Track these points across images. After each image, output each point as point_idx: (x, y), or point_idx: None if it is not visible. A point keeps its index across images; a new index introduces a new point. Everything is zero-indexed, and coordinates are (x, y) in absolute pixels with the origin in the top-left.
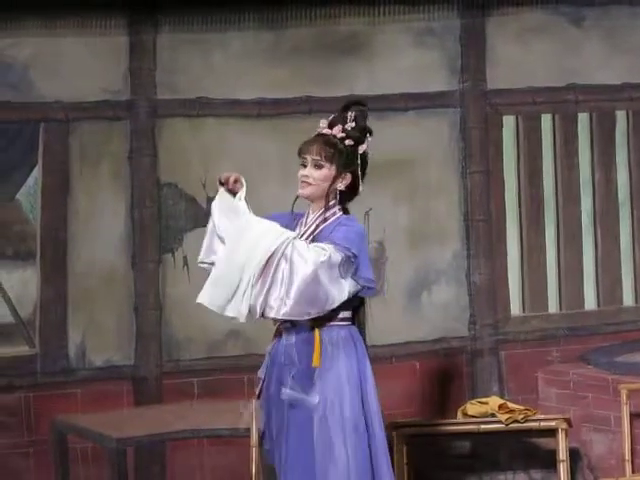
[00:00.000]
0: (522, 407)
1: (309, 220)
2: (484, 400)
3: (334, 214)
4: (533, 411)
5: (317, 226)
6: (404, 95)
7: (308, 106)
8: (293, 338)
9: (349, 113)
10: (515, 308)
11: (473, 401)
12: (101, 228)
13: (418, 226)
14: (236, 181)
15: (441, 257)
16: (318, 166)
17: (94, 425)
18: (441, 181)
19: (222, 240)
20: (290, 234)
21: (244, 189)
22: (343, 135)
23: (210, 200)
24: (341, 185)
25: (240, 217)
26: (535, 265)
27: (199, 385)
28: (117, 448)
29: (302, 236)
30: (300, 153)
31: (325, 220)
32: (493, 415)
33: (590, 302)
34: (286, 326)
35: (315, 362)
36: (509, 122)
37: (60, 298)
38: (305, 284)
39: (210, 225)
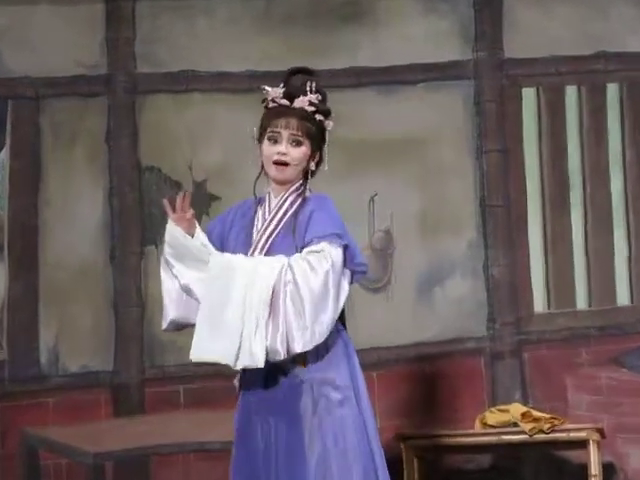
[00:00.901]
0: (548, 415)
1: (273, 205)
2: (505, 408)
3: (302, 195)
4: (561, 420)
5: (286, 211)
6: (412, 66)
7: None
8: None
9: (308, 83)
10: (539, 304)
11: (493, 409)
12: (76, 217)
13: (429, 212)
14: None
15: (455, 247)
16: (297, 143)
17: (69, 438)
18: (454, 162)
19: (187, 290)
20: (283, 260)
21: (198, 227)
22: (313, 109)
23: (198, 185)
24: (313, 165)
25: (213, 260)
26: (561, 255)
27: (186, 393)
28: (94, 464)
29: (269, 224)
30: (269, 126)
31: (294, 204)
32: (515, 425)
33: (623, 297)
34: None
35: (300, 365)
36: (529, 95)
37: (30, 296)
38: (319, 301)
39: (170, 282)
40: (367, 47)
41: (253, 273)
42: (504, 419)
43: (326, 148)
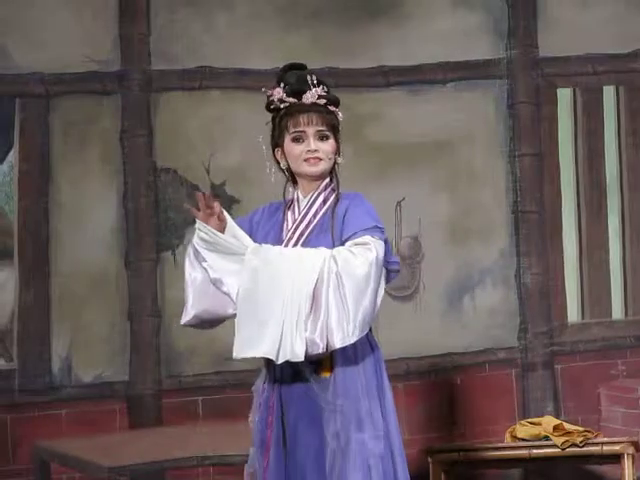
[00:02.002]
0: (581, 429)
1: (303, 205)
2: (536, 420)
3: (332, 192)
4: (594, 433)
5: (317, 210)
6: (442, 65)
7: (330, 79)
8: None
9: (308, 77)
10: (573, 314)
11: (523, 422)
12: (89, 222)
13: (459, 218)
14: (212, 207)
15: (486, 255)
16: (325, 137)
17: (82, 452)
18: (485, 166)
19: (217, 282)
20: (325, 252)
21: (229, 219)
22: (324, 101)
23: (216, 188)
24: (339, 158)
25: (252, 253)
26: (596, 263)
27: (205, 404)
28: (109, 478)
29: (299, 223)
30: (291, 127)
31: (327, 201)
32: (547, 438)
33: None
34: None
35: (325, 372)
36: (565, 96)
37: (42, 304)
38: (361, 293)
39: (198, 274)
40: (394, 44)
41: (296, 265)
42: (535, 432)
43: (340, 139)
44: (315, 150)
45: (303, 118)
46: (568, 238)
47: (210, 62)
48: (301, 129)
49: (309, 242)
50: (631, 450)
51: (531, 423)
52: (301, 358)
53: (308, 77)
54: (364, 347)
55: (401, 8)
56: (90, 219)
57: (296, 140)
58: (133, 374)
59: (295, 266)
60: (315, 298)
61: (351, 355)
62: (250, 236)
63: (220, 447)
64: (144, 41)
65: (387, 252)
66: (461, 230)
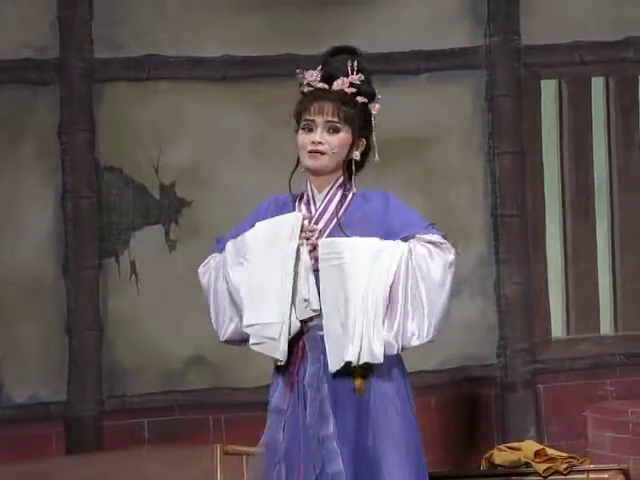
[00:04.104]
0: (565, 454)
1: (320, 201)
2: (516, 445)
3: (350, 190)
4: (580, 460)
5: (336, 209)
6: (414, 53)
7: (289, 67)
8: (322, 359)
9: (349, 63)
10: (557, 328)
11: (502, 446)
12: (23, 225)
13: (432, 222)
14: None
15: (462, 262)
16: (334, 130)
17: None
18: (461, 165)
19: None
20: (403, 247)
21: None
22: (354, 90)
23: (165, 189)
24: (357, 154)
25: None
26: (583, 273)
27: (151, 427)
28: None
29: (316, 222)
30: (303, 114)
31: (344, 200)
32: (528, 465)
33: None
34: (311, 345)
35: (359, 391)
36: (549, 88)
37: None
38: (437, 294)
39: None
40: (361, 30)
41: (373, 259)
42: (514, 458)
43: (374, 135)
44: (319, 142)
45: (315, 106)
46: (552, 245)
47: (159, 50)
48: (311, 118)
49: None
50: (620, 478)
51: (510, 448)
52: (380, 360)
53: (349, 62)
54: (398, 368)
55: None
56: (24, 222)
57: (305, 129)
58: (71, 394)
59: (372, 261)
60: (392, 297)
61: (385, 376)
62: None
63: (168, 475)
64: (86, 25)
65: None
66: None
